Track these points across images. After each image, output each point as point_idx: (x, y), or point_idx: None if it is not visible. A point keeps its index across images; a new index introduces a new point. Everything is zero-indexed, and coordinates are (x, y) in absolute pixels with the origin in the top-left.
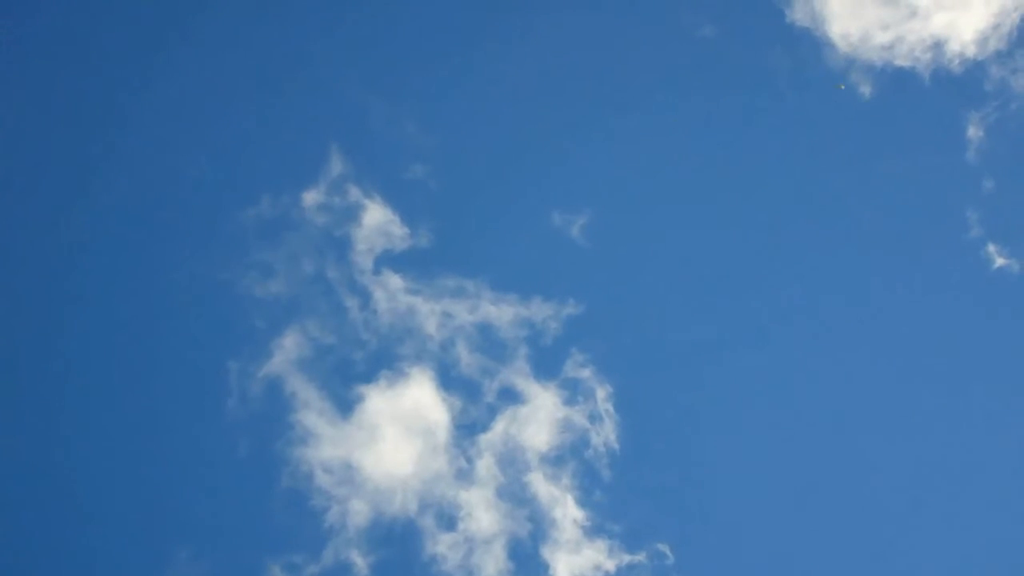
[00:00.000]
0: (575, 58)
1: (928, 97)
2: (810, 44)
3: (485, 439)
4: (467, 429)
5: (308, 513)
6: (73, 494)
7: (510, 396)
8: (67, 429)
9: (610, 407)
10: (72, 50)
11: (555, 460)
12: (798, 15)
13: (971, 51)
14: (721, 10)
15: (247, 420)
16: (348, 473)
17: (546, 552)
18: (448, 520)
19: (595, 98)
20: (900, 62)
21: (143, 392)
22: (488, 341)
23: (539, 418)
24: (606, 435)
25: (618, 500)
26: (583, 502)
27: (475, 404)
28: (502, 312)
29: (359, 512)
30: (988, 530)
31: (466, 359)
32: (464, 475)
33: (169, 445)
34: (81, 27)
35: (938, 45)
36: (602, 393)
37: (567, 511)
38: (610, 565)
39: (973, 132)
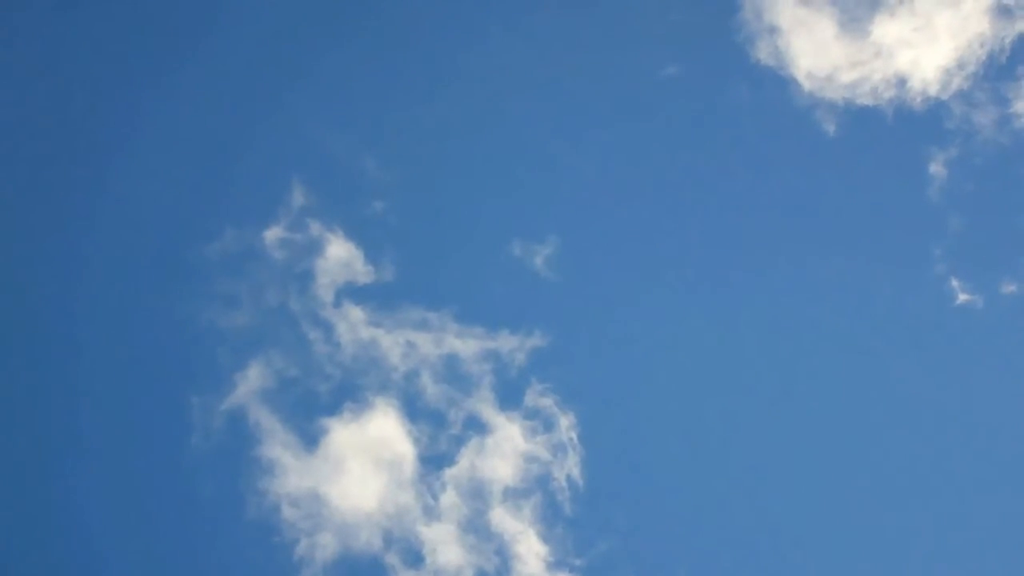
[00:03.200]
0: (536, 96)
1: (891, 134)
2: (774, 83)
3: (450, 473)
4: (432, 462)
5: (274, 548)
6: (36, 538)
7: (475, 429)
8: (26, 473)
9: (576, 441)
10: (32, 84)
11: (522, 493)
12: (762, 54)
13: (934, 89)
14: (684, 49)
15: (211, 455)
16: (314, 507)
17: None
18: (414, 555)
19: (557, 136)
20: (864, 100)
21: (109, 423)
22: (453, 373)
23: (504, 451)
24: (570, 468)
25: (583, 534)
26: (547, 536)
27: (440, 437)
28: (467, 345)
29: (326, 546)
30: None
31: (431, 391)
32: (429, 509)
33: (134, 479)
34: (39, 63)
35: (902, 83)
36: (569, 426)
37: (531, 545)
38: None
39: (936, 169)
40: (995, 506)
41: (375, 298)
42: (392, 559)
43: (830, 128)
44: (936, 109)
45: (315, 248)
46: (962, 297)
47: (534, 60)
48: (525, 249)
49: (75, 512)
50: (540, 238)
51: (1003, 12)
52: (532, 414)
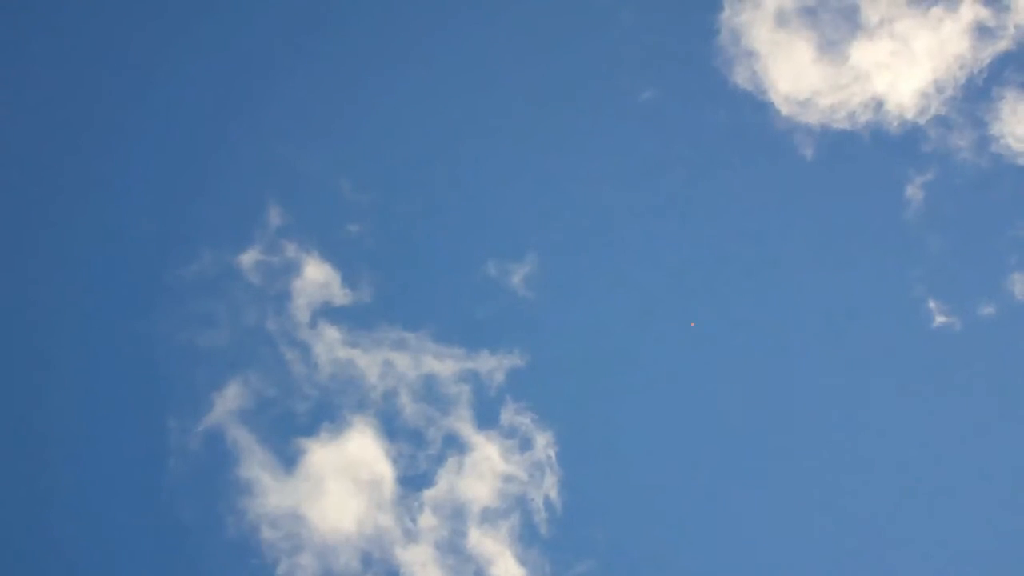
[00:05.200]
0: (514, 118)
1: (869, 158)
2: (752, 107)
3: (428, 494)
4: (410, 483)
5: (254, 570)
6: (15, 565)
7: (453, 450)
8: (3, 499)
9: (554, 460)
10: (9, 105)
11: (500, 513)
12: (740, 79)
13: (912, 112)
14: (663, 73)
15: (190, 475)
16: (294, 528)
17: None
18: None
19: (536, 158)
20: (842, 124)
21: (88, 442)
22: (431, 393)
23: (482, 472)
24: (548, 489)
25: (561, 554)
26: (524, 558)
27: (418, 458)
28: (445, 365)
29: (306, 567)
30: None
31: (409, 411)
32: (407, 530)
33: (113, 501)
34: (11, 86)
35: (880, 107)
36: (547, 446)
37: (508, 567)
38: None
39: (913, 192)
40: (971, 526)
41: (353, 319)
42: None
43: (808, 152)
44: (913, 132)
45: (292, 270)
46: (939, 319)
47: (512, 82)
48: (503, 269)
49: (53, 536)
50: (518, 258)
51: (982, 32)
52: (510, 434)
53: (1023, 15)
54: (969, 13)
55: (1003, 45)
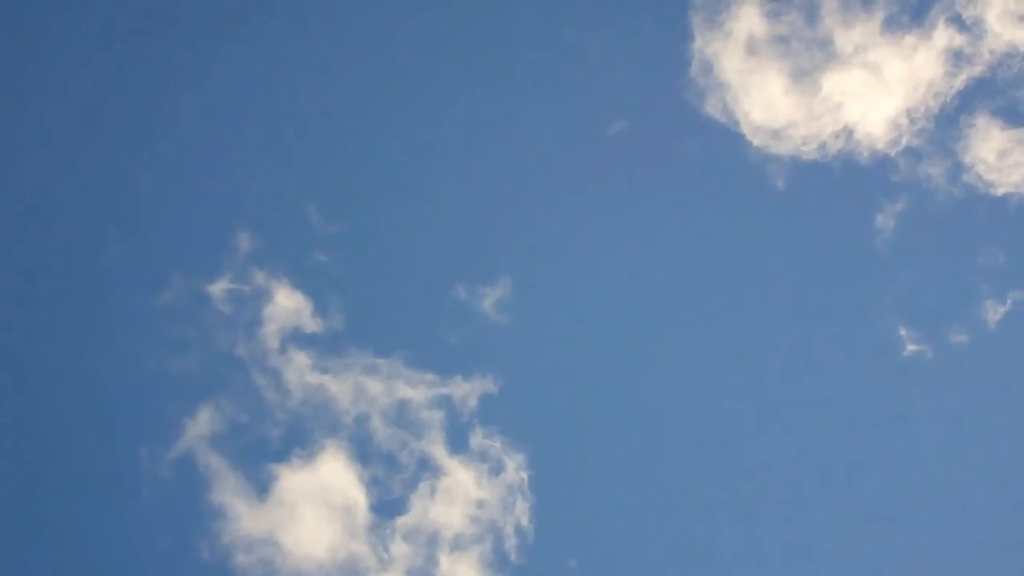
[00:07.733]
0: (484, 148)
1: (841, 187)
2: (724, 138)
3: (401, 521)
4: (382, 510)
5: None
6: None
7: (426, 478)
8: None
9: (527, 488)
10: None
11: (473, 539)
12: (711, 110)
13: (883, 142)
14: (633, 105)
15: (163, 502)
16: (267, 554)
17: None
18: None
19: (508, 189)
20: (813, 155)
21: (58, 469)
22: (404, 419)
23: (455, 499)
24: (519, 517)
25: None
26: None
27: (391, 485)
28: (417, 391)
29: None
30: None
31: (381, 438)
32: (379, 557)
33: (83, 531)
34: None
35: (851, 136)
36: (520, 474)
37: None
38: None
39: (885, 220)
40: (944, 557)
41: (324, 346)
42: None
43: (779, 183)
44: (885, 161)
45: (262, 299)
46: (911, 348)
47: (481, 111)
48: (474, 293)
49: (26, 563)
50: (491, 282)
51: (956, 59)
52: (483, 459)
53: (998, 41)
54: (943, 39)
55: (977, 71)
